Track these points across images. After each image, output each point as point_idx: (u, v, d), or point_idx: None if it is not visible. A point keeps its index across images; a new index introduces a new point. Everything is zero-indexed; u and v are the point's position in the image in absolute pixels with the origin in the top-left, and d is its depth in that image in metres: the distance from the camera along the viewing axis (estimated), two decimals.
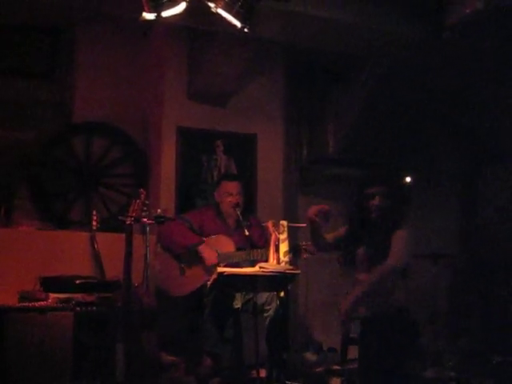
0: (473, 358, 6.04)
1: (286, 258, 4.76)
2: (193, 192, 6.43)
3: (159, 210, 5.22)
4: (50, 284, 5.07)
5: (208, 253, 5.31)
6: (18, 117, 6.38)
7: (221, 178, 5.97)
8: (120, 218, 4.88)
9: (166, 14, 4.41)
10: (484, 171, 7.62)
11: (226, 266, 5.10)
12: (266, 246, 5.13)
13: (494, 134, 7.15)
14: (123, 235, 4.75)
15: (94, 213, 5.79)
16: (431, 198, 7.36)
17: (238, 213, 5.44)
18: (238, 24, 4.52)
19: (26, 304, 4.79)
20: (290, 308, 5.76)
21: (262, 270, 4.73)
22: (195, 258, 5.36)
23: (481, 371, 5.64)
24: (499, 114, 6.90)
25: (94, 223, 5.71)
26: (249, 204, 6.00)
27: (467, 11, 5.31)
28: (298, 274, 4.86)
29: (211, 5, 4.45)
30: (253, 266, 5.00)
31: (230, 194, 5.55)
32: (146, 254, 4.98)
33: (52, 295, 4.85)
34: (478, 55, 6.04)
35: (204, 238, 5.42)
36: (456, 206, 7.70)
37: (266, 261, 4.92)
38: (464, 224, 7.68)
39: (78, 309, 4.74)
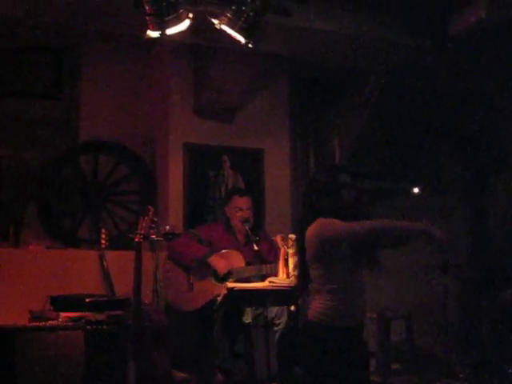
0: (485, 369, 6.01)
1: (295, 272, 4.74)
2: (201, 208, 6.43)
3: (168, 227, 5.24)
4: (60, 303, 5.07)
5: (219, 262, 5.29)
6: (24, 136, 6.42)
7: (231, 193, 5.96)
8: (129, 235, 4.89)
9: (170, 31, 4.44)
10: (491, 180, 7.60)
11: (236, 282, 5.09)
12: (276, 260, 5.12)
13: (500, 142, 7.15)
14: (132, 253, 4.75)
15: (103, 231, 5.80)
16: (438, 208, 7.34)
17: (247, 228, 5.45)
18: (242, 40, 4.54)
19: (37, 323, 4.79)
20: (301, 321, 5.73)
21: (271, 284, 4.73)
22: (204, 273, 5.36)
23: (493, 382, 5.61)
24: (504, 122, 6.89)
25: (103, 241, 5.72)
26: (257, 219, 6.00)
27: (472, 20, 5.32)
28: None
29: (215, 21, 4.48)
30: (262, 280, 4.99)
31: (240, 209, 5.55)
32: (155, 271, 4.98)
33: (62, 314, 4.84)
34: (483, 64, 6.05)
35: (212, 250, 5.42)
36: (464, 216, 7.68)
37: (276, 275, 4.92)
38: (472, 233, 7.66)
39: (89, 327, 4.72)
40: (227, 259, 5.36)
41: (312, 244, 3.39)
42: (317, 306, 3.39)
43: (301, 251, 3.50)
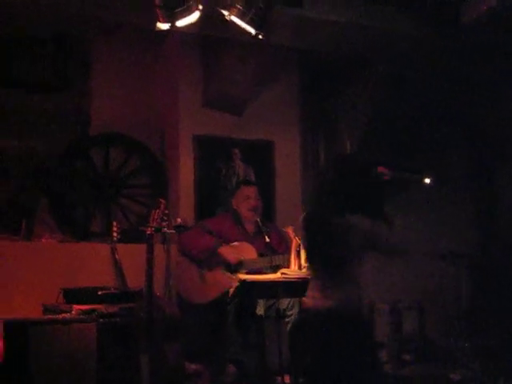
0: (496, 359, 6.00)
1: (307, 264, 4.73)
2: (212, 200, 6.43)
3: (179, 220, 5.24)
4: (73, 296, 5.08)
5: (230, 253, 5.30)
6: (35, 129, 6.41)
7: (238, 184, 6.00)
8: (140, 228, 4.89)
9: (180, 23, 4.44)
10: (500, 170, 7.56)
11: (247, 273, 5.10)
12: (287, 251, 5.12)
13: (508, 132, 7.11)
14: (144, 245, 4.76)
15: (115, 224, 5.80)
16: (447, 198, 7.32)
17: (257, 218, 5.46)
18: (252, 31, 4.53)
19: (50, 316, 4.81)
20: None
21: (283, 276, 4.73)
22: (215, 265, 5.36)
23: (504, 372, 5.60)
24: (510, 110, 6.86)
25: (115, 234, 5.71)
26: (267, 210, 6.00)
27: (483, 9, 5.29)
28: None
29: (225, 13, 4.48)
30: (274, 272, 4.99)
31: (248, 197, 5.57)
32: (167, 264, 4.99)
33: (75, 307, 4.86)
34: (493, 54, 6.01)
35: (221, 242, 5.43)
36: (473, 206, 7.66)
37: (288, 266, 4.92)
38: (481, 224, 7.63)
39: (101, 320, 4.74)
40: (238, 252, 5.36)
41: None
42: None
43: None
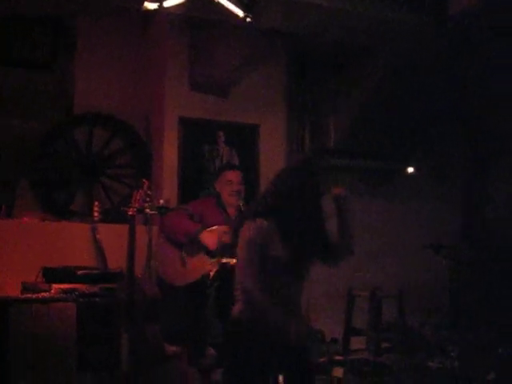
0: (475, 349, 6.05)
1: None
2: (195, 182, 6.42)
3: (162, 201, 5.22)
4: (53, 275, 5.07)
5: (210, 239, 5.27)
6: (18, 108, 6.36)
7: (221, 168, 5.96)
8: (123, 208, 4.87)
9: (167, 3, 4.40)
10: (490, 164, 7.61)
11: (229, 258, 5.09)
12: None
13: (501, 126, 7.14)
14: (126, 226, 4.74)
15: (96, 204, 5.77)
16: (436, 190, 7.36)
17: (240, 203, 5.44)
18: (241, 13, 4.51)
19: (29, 295, 4.78)
20: None
21: None
22: (197, 248, 5.35)
23: (484, 362, 5.65)
24: (506, 106, 6.88)
25: (96, 214, 5.69)
26: (251, 195, 5.98)
27: (465, 3, 5.29)
28: None
29: None
30: None
31: (230, 182, 5.54)
32: (148, 245, 4.97)
33: (55, 286, 4.83)
34: (483, 45, 6.01)
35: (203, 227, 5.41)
36: (461, 198, 7.70)
37: None
38: (469, 216, 7.68)
39: (81, 300, 4.72)
40: (217, 235, 5.35)
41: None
42: None
43: None
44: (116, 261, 5.21)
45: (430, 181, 7.37)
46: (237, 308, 3.45)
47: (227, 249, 5.27)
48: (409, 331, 6.44)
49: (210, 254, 5.31)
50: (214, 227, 5.38)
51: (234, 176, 5.59)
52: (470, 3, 5.37)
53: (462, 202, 7.71)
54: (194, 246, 5.31)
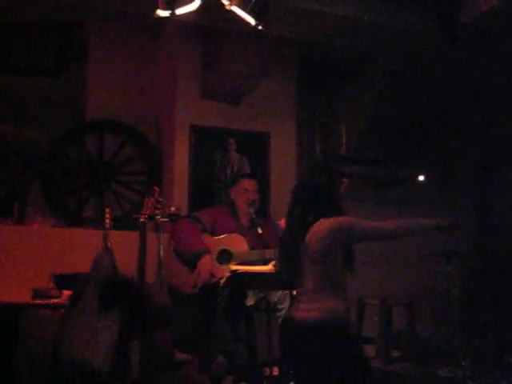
0: (486, 358, 6.02)
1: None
2: (206, 190, 6.42)
3: (173, 208, 5.21)
4: (64, 281, 5.08)
5: (205, 266, 5.24)
6: (30, 115, 6.40)
7: (239, 176, 5.98)
8: (134, 215, 4.87)
9: (180, 11, 4.41)
10: (499, 170, 7.58)
11: (238, 264, 5.08)
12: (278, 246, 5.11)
13: (508, 132, 7.11)
14: (136, 233, 4.74)
15: (107, 210, 5.77)
16: (445, 196, 7.33)
17: (252, 211, 5.44)
18: (252, 21, 4.51)
19: (40, 301, 4.80)
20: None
21: (275, 268, 4.71)
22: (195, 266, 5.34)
23: (495, 371, 5.62)
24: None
25: (107, 221, 5.69)
26: (262, 203, 5.99)
27: (483, 8, 5.27)
28: None
29: (225, 2, 4.45)
30: (265, 264, 4.98)
31: (247, 191, 5.55)
32: (159, 252, 4.97)
33: (65, 292, 4.84)
34: (493, 53, 6.00)
35: (215, 238, 5.40)
36: (470, 205, 7.67)
37: None
38: (478, 222, 7.65)
39: None
40: (230, 244, 5.35)
41: (324, 240, 3.41)
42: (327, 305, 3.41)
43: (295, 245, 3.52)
44: (127, 268, 5.21)
45: (440, 187, 7.34)
46: (331, 305, 3.41)
47: (241, 257, 5.28)
48: (419, 340, 6.42)
49: (220, 260, 5.32)
50: (226, 235, 5.39)
51: (250, 185, 5.60)
52: (480, 11, 5.35)
53: (473, 209, 7.68)
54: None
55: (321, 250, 3.41)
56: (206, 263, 5.23)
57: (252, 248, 5.37)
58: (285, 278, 3.76)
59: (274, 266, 4.74)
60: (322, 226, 3.44)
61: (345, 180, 3.82)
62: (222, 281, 5.17)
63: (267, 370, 4.91)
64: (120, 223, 5.94)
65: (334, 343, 3.37)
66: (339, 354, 3.37)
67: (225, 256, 5.34)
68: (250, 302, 5.17)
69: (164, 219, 4.98)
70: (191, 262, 5.28)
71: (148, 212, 4.75)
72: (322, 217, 3.47)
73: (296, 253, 3.52)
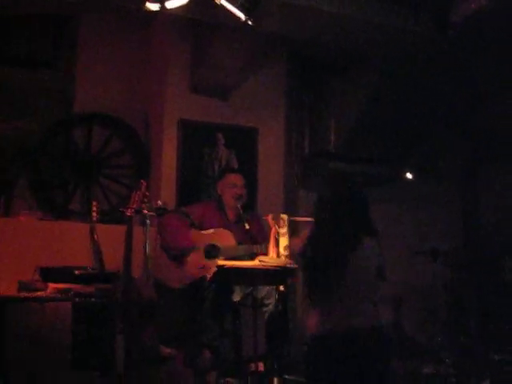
0: (471, 356, 6.04)
1: (286, 252, 4.73)
2: (194, 184, 6.42)
3: (160, 202, 5.21)
4: (49, 274, 5.05)
5: (192, 264, 5.26)
6: (18, 106, 6.37)
7: (225, 170, 5.98)
8: (120, 209, 4.87)
9: (170, 4, 4.39)
10: (486, 169, 7.61)
11: (226, 259, 5.08)
12: (265, 241, 5.11)
13: (497, 131, 7.14)
14: (123, 227, 4.74)
15: (94, 204, 5.76)
16: (432, 195, 7.35)
17: (239, 206, 5.44)
18: (242, 16, 4.50)
19: (25, 294, 4.78)
20: (290, 301, 5.76)
21: (261, 263, 4.72)
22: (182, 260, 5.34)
23: (479, 368, 5.64)
24: (503, 111, 6.88)
25: (94, 214, 5.68)
26: (249, 198, 5.99)
27: (472, 7, 5.29)
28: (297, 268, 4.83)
29: None
30: (252, 259, 4.99)
31: (234, 185, 5.55)
32: (145, 246, 4.97)
33: (51, 285, 4.83)
34: (482, 53, 6.01)
35: (203, 232, 5.40)
36: (457, 203, 7.70)
37: (266, 255, 4.91)
38: (464, 221, 7.68)
39: (77, 299, 4.71)
40: (217, 239, 5.35)
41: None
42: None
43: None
44: (113, 261, 5.20)
45: (428, 185, 7.36)
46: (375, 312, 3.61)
47: (229, 252, 5.28)
48: (404, 337, 6.44)
49: (207, 255, 5.31)
50: (213, 230, 5.39)
51: (237, 179, 5.61)
52: (470, 10, 5.36)
53: (460, 206, 7.71)
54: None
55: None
56: (193, 260, 5.23)
57: (239, 243, 5.37)
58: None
59: (261, 261, 4.75)
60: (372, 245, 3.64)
61: None
62: (209, 276, 5.16)
63: (252, 365, 4.92)
64: (107, 217, 5.93)
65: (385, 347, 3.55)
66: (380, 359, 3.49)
67: (212, 251, 5.33)
68: (236, 297, 5.17)
69: (151, 213, 4.98)
70: (178, 257, 5.28)
71: (135, 206, 4.75)
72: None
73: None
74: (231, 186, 5.55)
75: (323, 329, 3.53)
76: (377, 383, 3.47)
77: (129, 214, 4.73)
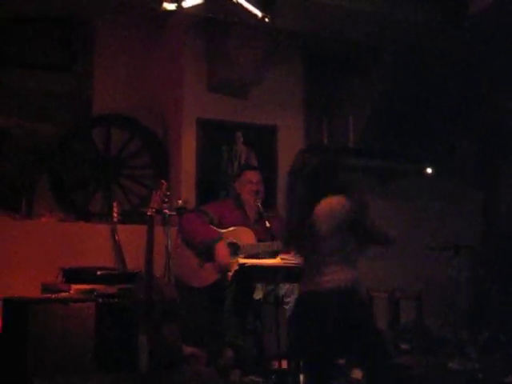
0: (495, 350, 6.01)
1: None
2: (213, 183, 6.42)
3: (180, 202, 5.22)
4: (72, 275, 5.08)
5: (222, 251, 5.26)
6: (37, 109, 6.40)
7: (242, 168, 5.98)
8: (141, 209, 4.88)
9: (186, 4, 4.42)
10: (507, 162, 7.56)
11: (246, 258, 5.07)
12: None
13: None
14: (144, 227, 4.75)
15: (115, 204, 5.79)
16: (453, 190, 7.32)
17: (259, 203, 5.44)
18: (259, 14, 4.52)
19: (49, 295, 4.80)
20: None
21: (283, 261, 4.71)
22: (210, 254, 5.34)
23: (504, 363, 5.60)
24: None
25: (115, 215, 5.72)
26: (269, 196, 5.98)
27: (490, 0, 5.26)
28: None
29: None
30: (274, 257, 4.98)
31: (250, 182, 5.55)
32: (167, 246, 4.98)
33: (74, 286, 4.85)
34: (500, 47, 5.97)
35: (223, 231, 5.40)
36: (478, 198, 7.65)
37: (288, 252, 4.90)
38: (486, 215, 7.63)
39: (100, 300, 4.73)
40: (237, 236, 5.35)
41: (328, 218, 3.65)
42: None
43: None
44: (135, 261, 5.22)
45: (447, 180, 7.32)
46: (353, 275, 3.68)
47: (249, 249, 5.28)
48: (428, 332, 6.40)
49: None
50: (234, 228, 5.39)
51: (254, 176, 5.61)
52: (487, 4, 5.34)
53: (481, 201, 7.66)
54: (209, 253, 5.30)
55: (327, 227, 3.64)
56: (223, 249, 5.24)
57: (259, 241, 5.36)
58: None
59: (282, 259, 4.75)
60: (325, 205, 3.68)
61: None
62: (230, 274, 5.16)
63: (275, 363, 4.91)
64: (128, 217, 5.95)
65: (346, 310, 3.60)
66: (351, 321, 3.60)
67: (232, 249, 5.33)
68: (258, 295, 5.16)
69: (171, 213, 4.99)
70: (206, 250, 5.26)
71: (155, 206, 4.77)
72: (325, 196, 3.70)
73: (303, 230, 3.74)
74: (247, 183, 5.56)
75: (299, 290, 3.97)
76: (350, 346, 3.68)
77: (149, 214, 4.74)
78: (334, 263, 3.67)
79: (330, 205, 3.68)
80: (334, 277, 3.64)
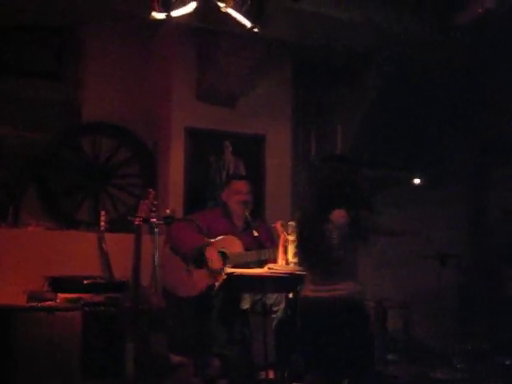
0: (482, 360, 6.02)
1: (295, 260, 4.72)
2: (201, 192, 6.42)
3: (168, 211, 5.20)
4: (58, 284, 5.07)
5: (213, 256, 5.25)
6: (26, 117, 6.38)
7: (230, 178, 5.97)
8: (129, 218, 4.87)
9: (175, 13, 4.41)
10: (492, 172, 7.59)
11: (234, 267, 5.06)
12: (274, 247, 5.11)
13: (504, 135, 7.13)
14: (132, 235, 4.74)
15: (103, 213, 5.77)
16: (439, 198, 7.33)
17: (247, 213, 5.43)
18: (248, 24, 4.52)
19: (35, 304, 4.79)
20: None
21: (270, 271, 4.71)
22: (202, 260, 5.33)
23: (489, 373, 5.62)
24: (509, 114, 6.87)
25: (103, 223, 5.69)
26: (257, 205, 5.98)
27: (479, 11, 5.29)
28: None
29: (221, 4, 4.45)
30: (261, 267, 4.97)
31: (239, 192, 5.54)
32: (154, 255, 4.96)
33: (60, 295, 4.84)
34: (490, 55, 6.01)
35: (211, 240, 5.39)
36: (464, 207, 7.68)
37: (275, 261, 4.90)
38: (471, 224, 7.66)
39: (87, 309, 4.72)
40: (225, 245, 5.33)
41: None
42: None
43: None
44: (122, 270, 5.21)
45: (433, 188, 7.35)
46: (358, 286, 3.76)
47: (237, 258, 5.27)
48: (415, 342, 6.41)
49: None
50: (221, 237, 5.38)
51: (242, 186, 5.59)
52: (476, 13, 5.37)
53: (466, 210, 7.69)
54: (198, 257, 5.29)
55: (338, 237, 3.71)
56: (214, 253, 5.22)
57: (247, 249, 5.35)
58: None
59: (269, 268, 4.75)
60: (338, 217, 3.73)
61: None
62: (218, 283, 5.15)
63: (263, 373, 4.90)
64: (115, 226, 5.93)
65: (348, 319, 3.66)
66: (351, 330, 3.66)
67: (221, 258, 5.32)
68: (245, 304, 5.15)
69: (159, 222, 4.98)
70: (196, 256, 5.25)
71: (143, 215, 4.75)
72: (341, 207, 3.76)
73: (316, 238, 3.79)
74: (236, 193, 5.54)
75: (300, 295, 3.97)
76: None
77: (137, 222, 4.73)
78: (341, 273, 3.73)
79: (344, 216, 3.73)
80: (340, 286, 3.70)
